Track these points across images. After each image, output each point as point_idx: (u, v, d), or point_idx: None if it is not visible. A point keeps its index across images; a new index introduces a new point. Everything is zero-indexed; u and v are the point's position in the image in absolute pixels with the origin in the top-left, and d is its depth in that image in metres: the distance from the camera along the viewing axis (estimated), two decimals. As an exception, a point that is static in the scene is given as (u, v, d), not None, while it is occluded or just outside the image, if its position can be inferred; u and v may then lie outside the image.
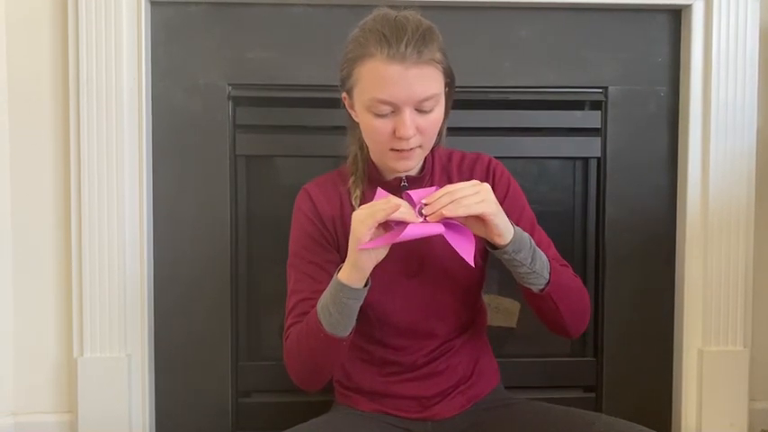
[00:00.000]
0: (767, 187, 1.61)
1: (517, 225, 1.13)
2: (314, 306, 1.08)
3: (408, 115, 1.04)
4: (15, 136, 1.50)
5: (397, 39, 1.01)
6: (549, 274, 1.08)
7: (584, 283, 1.60)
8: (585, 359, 1.62)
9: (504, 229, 1.02)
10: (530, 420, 1.13)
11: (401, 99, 1.03)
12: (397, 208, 0.97)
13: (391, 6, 1.10)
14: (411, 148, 1.07)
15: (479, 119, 1.56)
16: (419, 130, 1.06)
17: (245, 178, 1.57)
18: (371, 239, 0.99)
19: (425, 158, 1.18)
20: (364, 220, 0.98)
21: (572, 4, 1.52)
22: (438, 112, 1.08)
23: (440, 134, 1.18)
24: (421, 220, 0.98)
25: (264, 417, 1.57)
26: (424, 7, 1.45)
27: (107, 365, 1.49)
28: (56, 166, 1.51)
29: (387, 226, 1.01)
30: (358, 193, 1.17)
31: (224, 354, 1.54)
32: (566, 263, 1.18)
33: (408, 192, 1.01)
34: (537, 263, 1.06)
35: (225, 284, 1.53)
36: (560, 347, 1.65)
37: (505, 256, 1.05)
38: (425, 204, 0.98)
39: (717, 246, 1.54)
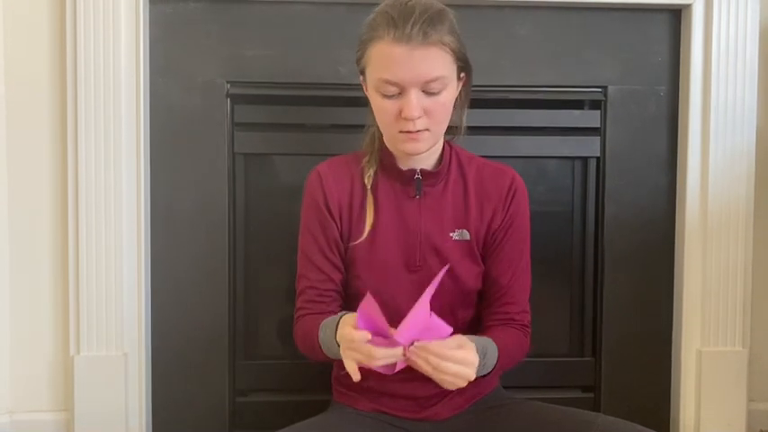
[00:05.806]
0: (766, 187, 1.60)
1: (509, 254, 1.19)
2: (320, 295, 1.16)
3: (414, 96, 1.06)
4: (12, 132, 1.50)
5: (404, 20, 1.03)
6: (491, 372, 1.11)
7: (583, 283, 1.62)
8: (584, 359, 1.62)
9: None
10: (528, 420, 1.13)
11: (406, 80, 1.05)
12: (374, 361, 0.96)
13: None
14: (418, 130, 1.08)
15: (478, 118, 1.54)
16: (426, 112, 1.07)
17: (244, 176, 1.56)
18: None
19: (443, 153, 1.19)
20: (350, 364, 0.98)
21: (572, 3, 1.52)
22: (446, 95, 1.09)
23: (458, 127, 1.20)
24: (404, 358, 0.97)
25: (261, 416, 1.57)
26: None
27: (104, 364, 1.48)
28: (53, 163, 1.50)
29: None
30: (371, 172, 1.19)
31: (221, 352, 1.54)
32: (527, 310, 1.21)
33: (396, 338, 0.96)
34: (482, 371, 1.07)
35: (222, 283, 1.53)
36: (559, 347, 1.65)
37: None
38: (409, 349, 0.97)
39: (716, 246, 1.54)
